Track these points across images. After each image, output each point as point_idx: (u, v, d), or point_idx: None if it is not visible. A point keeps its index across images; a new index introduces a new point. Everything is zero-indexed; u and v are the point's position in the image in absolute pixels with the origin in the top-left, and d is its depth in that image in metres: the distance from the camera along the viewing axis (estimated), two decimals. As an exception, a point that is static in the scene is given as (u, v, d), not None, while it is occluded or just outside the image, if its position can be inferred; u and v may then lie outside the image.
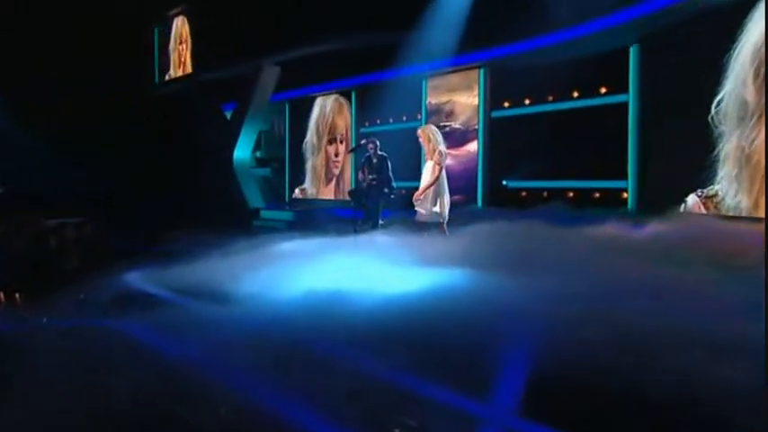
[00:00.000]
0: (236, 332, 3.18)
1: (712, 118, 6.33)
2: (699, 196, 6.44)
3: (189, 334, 3.19)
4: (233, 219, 9.81)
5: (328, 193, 11.72)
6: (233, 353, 2.94)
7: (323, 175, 11.74)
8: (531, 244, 4.74)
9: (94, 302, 3.99)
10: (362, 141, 6.04)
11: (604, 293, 3.26)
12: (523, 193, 8.55)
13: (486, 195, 9.04)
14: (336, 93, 11.22)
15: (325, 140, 11.62)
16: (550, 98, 8.32)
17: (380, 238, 5.60)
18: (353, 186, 8.61)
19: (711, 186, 6.39)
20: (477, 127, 9.08)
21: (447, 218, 5.38)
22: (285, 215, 10.50)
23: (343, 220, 7.80)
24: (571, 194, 8.03)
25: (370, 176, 6.68)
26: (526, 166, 8.39)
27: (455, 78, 9.28)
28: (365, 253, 4.79)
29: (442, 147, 5.31)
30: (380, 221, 6.49)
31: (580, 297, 3.21)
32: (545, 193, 8.30)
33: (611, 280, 3.46)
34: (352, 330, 2.99)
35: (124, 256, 5.53)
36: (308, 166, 11.99)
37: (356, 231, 6.37)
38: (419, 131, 5.50)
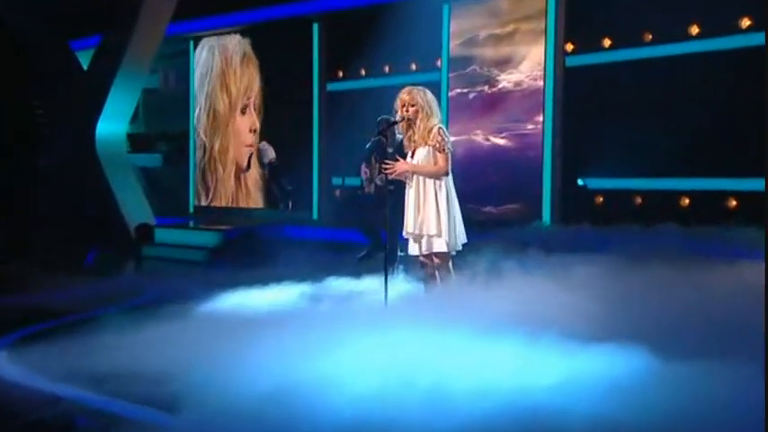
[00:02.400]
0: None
1: None
2: None
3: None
4: (102, 246, 9.62)
5: (257, 199, 11.70)
6: None
7: (235, 166, 11.86)
8: (686, 303, 4.57)
9: None
10: (395, 118, 5.19)
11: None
12: (600, 199, 8.40)
13: (556, 203, 8.62)
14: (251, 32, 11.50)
15: (238, 108, 11.78)
16: (649, 37, 8.23)
17: (412, 288, 5.45)
18: (362, 189, 7.90)
19: None
20: (540, 85, 8.76)
21: (457, 247, 4.98)
22: (201, 238, 9.74)
23: (324, 248, 7.92)
24: (686, 201, 7.95)
25: (383, 175, 6.34)
26: (616, 155, 8.14)
27: (504, 3, 9.13)
28: (407, 322, 4.31)
29: (440, 124, 4.90)
30: (400, 252, 6.10)
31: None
32: (638, 199, 8.14)
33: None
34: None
35: None
36: (215, 151, 12.22)
37: (360, 266, 6.46)
38: (403, 95, 4.97)
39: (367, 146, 7.00)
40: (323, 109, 10.65)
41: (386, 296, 4.93)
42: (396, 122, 4.97)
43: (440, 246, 4.79)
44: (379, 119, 6.46)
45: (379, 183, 6.76)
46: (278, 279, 6.20)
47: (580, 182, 8.44)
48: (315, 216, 10.69)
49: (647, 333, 3.99)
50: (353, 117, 9.34)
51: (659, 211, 7.65)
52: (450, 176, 4.90)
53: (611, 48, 8.42)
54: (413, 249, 4.95)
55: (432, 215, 4.82)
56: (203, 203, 12.31)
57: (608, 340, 3.94)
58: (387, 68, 10.01)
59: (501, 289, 4.90)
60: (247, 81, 11.66)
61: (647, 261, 5.37)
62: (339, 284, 6.13)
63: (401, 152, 5.65)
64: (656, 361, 3.75)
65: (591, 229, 7.48)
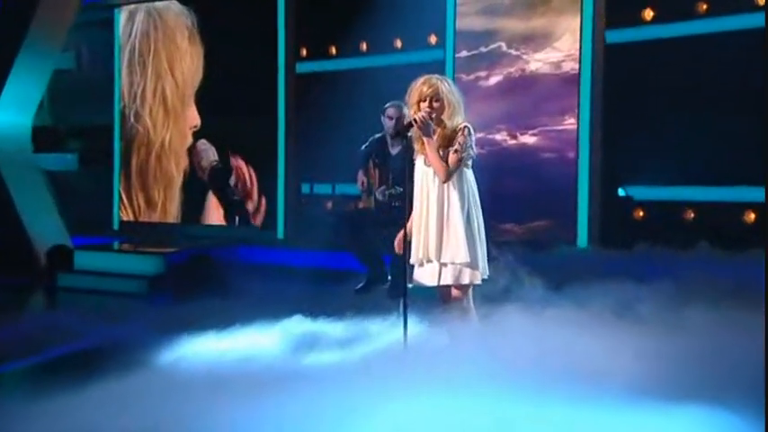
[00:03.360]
0: None
1: None
2: None
3: None
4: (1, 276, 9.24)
5: (213, 214, 11.38)
6: None
7: (174, 170, 11.62)
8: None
9: None
10: (420, 113, 5.06)
11: None
12: (640, 213, 8.38)
13: (593, 219, 8.50)
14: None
15: (180, 98, 11.58)
16: (706, 7, 8.08)
17: (428, 330, 5.24)
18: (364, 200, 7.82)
19: None
20: (574, 68, 8.60)
21: (483, 275, 4.97)
22: (136, 263, 9.41)
23: (298, 276, 8.12)
24: (752, 216, 7.85)
25: (385, 187, 6.69)
26: (670, 158, 8.04)
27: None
28: (439, 378, 4.21)
29: (467, 123, 4.91)
30: (409, 284, 5.68)
31: None
32: (691, 213, 8.05)
33: None
34: None
35: None
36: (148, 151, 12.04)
37: (356, 300, 6.62)
38: (422, 86, 4.92)
39: (363, 147, 6.84)
40: (290, 97, 10.45)
41: (405, 341, 4.86)
42: (413, 123, 4.79)
43: (471, 276, 4.76)
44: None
45: (380, 197, 6.71)
46: (247, 318, 5.94)
47: (621, 192, 8.35)
48: (280, 234, 10.59)
49: (740, 392, 3.88)
50: (331, 106, 9.29)
51: (723, 229, 7.60)
52: (475, 183, 4.88)
53: (663, 20, 8.24)
54: (427, 278, 4.85)
55: (460, 236, 4.76)
56: (133, 218, 12.00)
57: (683, 400, 3.90)
58: (362, 45, 9.97)
59: (542, 333, 4.76)
60: (189, 60, 11.44)
61: (719, 296, 5.33)
62: (333, 326, 5.94)
63: (408, 161, 5.46)
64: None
65: (647, 252, 7.38)
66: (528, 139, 8.81)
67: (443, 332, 4.96)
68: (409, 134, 5.11)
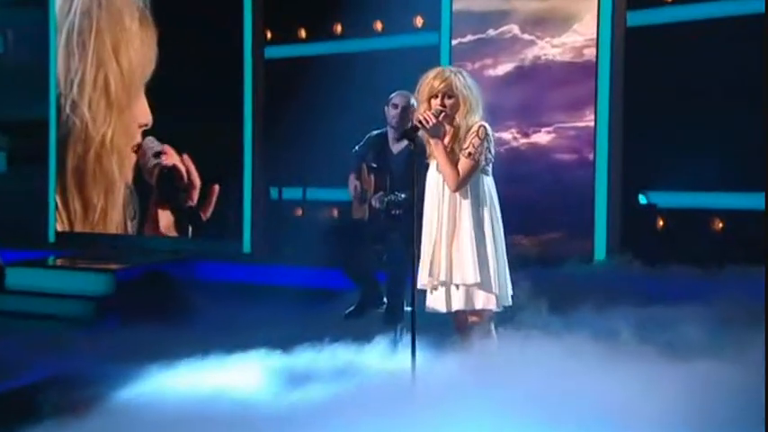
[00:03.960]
0: None
1: None
2: None
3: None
4: None
5: (166, 223, 11.08)
6: None
7: (120, 168, 11.34)
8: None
9: None
10: (426, 112, 5.06)
11: None
12: (660, 222, 8.37)
13: (613, 229, 8.35)
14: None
15: (128, 90, 11.24)
16: None
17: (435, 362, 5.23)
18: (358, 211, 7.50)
19: None
20: (590, 55, 8.45)
21: (506, 301, 4.98)
22: (80, 282, 9.05)
23: (270, 296, 8.06)
24: None
25: (383, 193, 6.65)
26: (697, 161, 7.85)
27: None
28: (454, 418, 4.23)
29: (484, 122, 4.91)
30: (407, 306, 6.14)
31: None
32: (719, 224, 8.02)
33: None
34: None
35: None
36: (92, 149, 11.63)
37: (346, 326, 6.58)
38: (433, 80, 4.92)
39: (356, 149, 6.77)
40: (258, 88, 10.19)
41: (413, 377, 4.85)
42: (421, 126, 4.73)
43: (485, 301, 4.72)
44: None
45: (377, 204, 6.49)
46: (214, 348, 5.81)
47: (642, 199, 8.26)
48: (246, 248, 10.31)
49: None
50: (305, 98, 9.01)
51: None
52: (494, 193, 4.86)
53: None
54: (439, 303, 4.85)
55: (468, 253, 4.72)
56: (68, 227, 11.59)
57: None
58: (335, 27, 9.76)
59: (571, 364, 4.60)
60: (139, 45, 11.09)
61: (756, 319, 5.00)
62: (319, 358, 5.85)
63: (417, 162, 5.35)
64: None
65: (677, 268, 7.21)
66: (540, 137, 8.72)
67: (455, 366, 4.83)
68: (419, 133, 5.02)
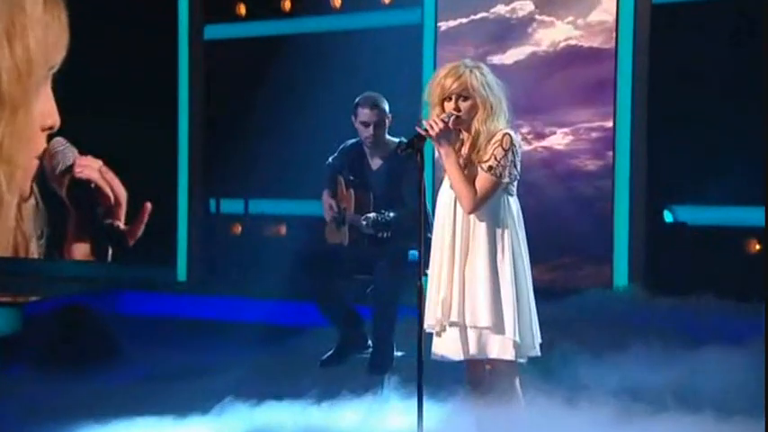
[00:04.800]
0: None
1: None
2: None
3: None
4: None
5: (83, 247, 10.42)
6: None
7: (11, 178, 10.91)
8: None
9: None
10: (433, 119, 4.55)
11: None
12: (697, 243, 8.00)
13: (637, 254, 8.01)
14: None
15: (33, 82, 10.60)
16: None
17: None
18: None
19: None
20: (608, 40, 8.10)
21: (532, 350, 4.47)
22: None
23: (221, 335, 7.72)
24: None
25: (365, 214, 6.29)
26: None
27: None
28: None
29: (509, 130, 4.38)
30: (397, 352, 5.99)
31: None
32: (756, 246, 7.78)
33: None
34: None
35: None
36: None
37: (324, 375, 6.14)
38: (444, 79, 4.43)
39: (329, 161, 6.33)
40: (196, 73, 9.48)
41: None
42: (426, 134, 4.38)
43: (501, 349, 4.44)
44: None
45: (361, 225, 6.01)
46: (150, 402, 5.45)
47: (667, 216, 7.86)
48: (181, 275, 9.55)
49: None
50: (255, 87, 8.59)
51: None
52: (520, 219, 4.47)
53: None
54: (449, 349, 4.58)
55: (481, 288, 4.38)
56: None
57: None
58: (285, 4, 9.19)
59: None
60: (43, 32, 10.32)
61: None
62: (288, 416, 5.43)
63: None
64: None
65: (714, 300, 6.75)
66: (547, 141, 8.38)
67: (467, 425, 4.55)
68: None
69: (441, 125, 4.31)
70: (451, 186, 4.44)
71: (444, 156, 4.38)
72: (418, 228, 4.69)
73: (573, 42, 8.20)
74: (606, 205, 7.92)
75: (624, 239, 7.93)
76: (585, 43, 8.13)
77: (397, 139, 5.99)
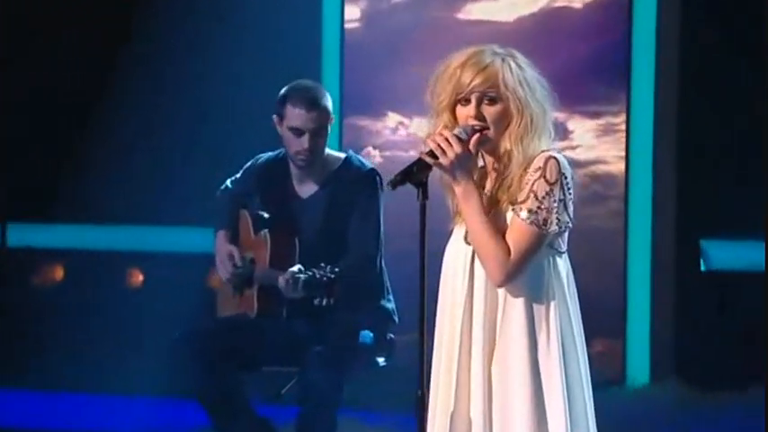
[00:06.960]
0: None
1: None
2: None
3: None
4: None
5: None
6: None
7: None
8: None
9: None
10: (445, 133, 3.81)
11: None
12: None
13: (660, 326, 7.41)
14: None
15: None
16: None
17: None
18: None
19: None
20: (619, 17, 7.91)
21: None
22: None
23: None
24: None
25: (288, 268, 5.74)
26: None
27: None
28: None
29: (555, 153, 3.68)
30: None
31: None
32: None
33: None
34: None
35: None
36: None
37: None
38: (463, 72, 3.82)
39: (227, 185, 5.57)
40: None
41: None
42: (432, 158, 3.44)
43: None
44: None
45: (284, 286, 5.13)
46: None
47: (703, 264, 7.15)
48: None
49: None
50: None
51: None
52: (573, 289, 3.49)
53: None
54: None
55: (518, 398, 3.65)
56: None
57: None
58: None
59: None
60: None
61: None
62: None
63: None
64: None
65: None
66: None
67: None
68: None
69: (458, 147, 3.30)
70: (469, 241, 3.48)
71: (463, 195, 3.38)
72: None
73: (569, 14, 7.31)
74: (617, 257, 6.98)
75: (645, 306, 6.83)
76: (584, 16, 7.38)
77: (342, 155, 5.37)
